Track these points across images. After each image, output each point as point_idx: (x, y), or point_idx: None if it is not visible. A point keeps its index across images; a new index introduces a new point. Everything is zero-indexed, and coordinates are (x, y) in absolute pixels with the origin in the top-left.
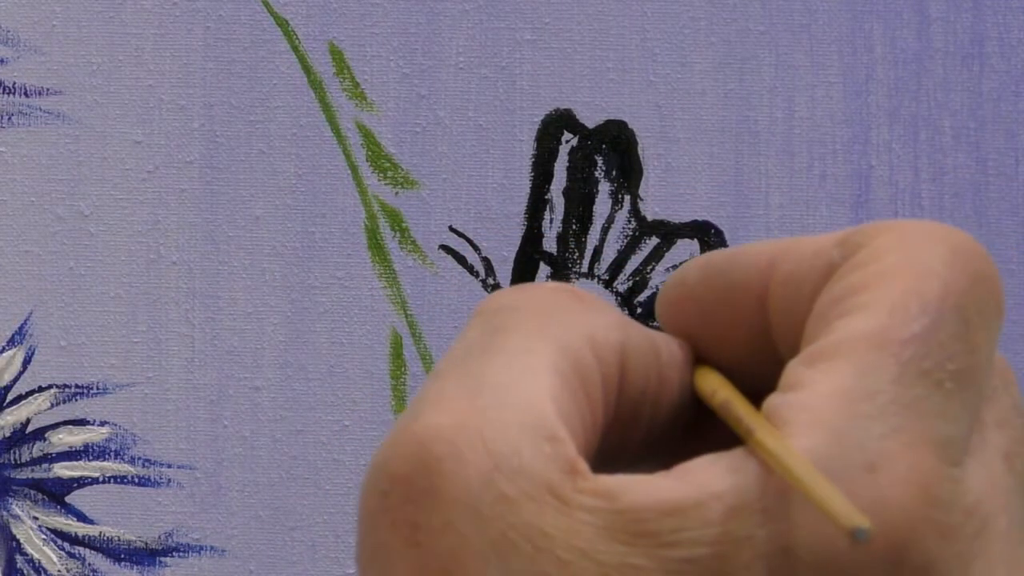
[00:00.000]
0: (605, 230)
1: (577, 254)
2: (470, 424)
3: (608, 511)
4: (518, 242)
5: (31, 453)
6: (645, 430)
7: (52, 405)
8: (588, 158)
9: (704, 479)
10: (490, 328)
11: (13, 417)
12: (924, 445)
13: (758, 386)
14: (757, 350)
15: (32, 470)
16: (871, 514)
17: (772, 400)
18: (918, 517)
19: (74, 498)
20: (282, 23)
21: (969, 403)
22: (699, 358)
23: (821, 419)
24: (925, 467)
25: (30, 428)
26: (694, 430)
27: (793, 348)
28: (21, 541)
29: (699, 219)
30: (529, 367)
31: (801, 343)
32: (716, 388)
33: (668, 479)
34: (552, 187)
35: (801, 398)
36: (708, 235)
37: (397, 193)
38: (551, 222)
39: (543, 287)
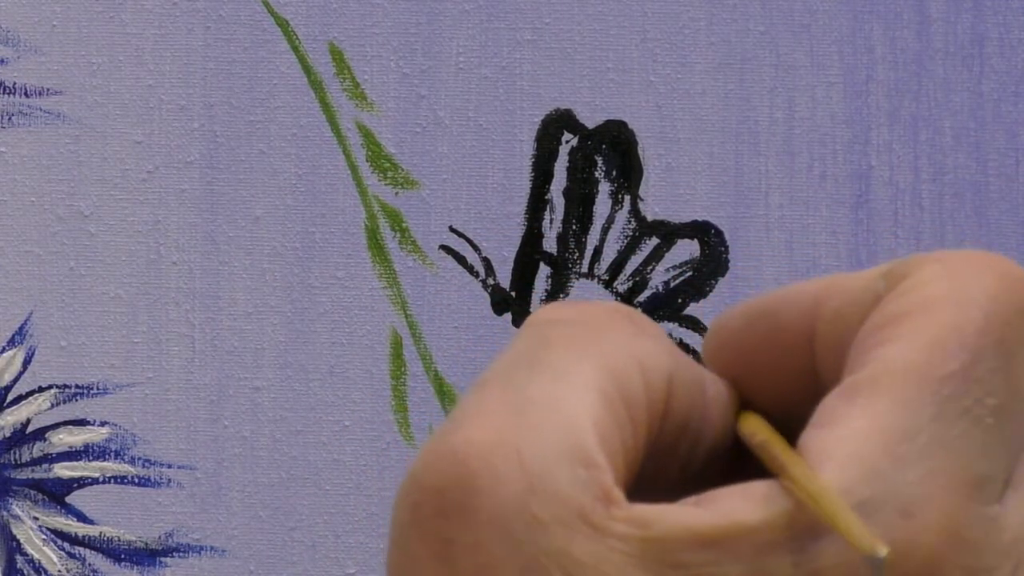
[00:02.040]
0: (605, 230)
1: (577, 254)
2: (508, 442)
3: (640, 539)
4: (518, 242)
5: (31, 453)
6: (682, 463)
7: (52, 405)
8: (588, 158)
9: (736, 511)
10: (538, 341)
11: (13, 417)
12: (960, 487)
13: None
14: (803, 390)
15: (32, 470)
16: (902, 556)
17: (808, 435)
18: (948, 563)
19: (74, 498)
20: (282, 23)
21: (1011, 437)
22: (745, 403)
23: (858, 457)
24: (959, 511)
25: (30, 428)
26: (731, 474)
27: None
28: (21, 541)
29: (699, 219)
30: (573, 386)
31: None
32: (756, 430)
33: (701, 508)
34: (552, 187)
35: (838, 434)
36: (708, 235)
37: (397, 193)
38: (551, 222)
39: (598, 305)
